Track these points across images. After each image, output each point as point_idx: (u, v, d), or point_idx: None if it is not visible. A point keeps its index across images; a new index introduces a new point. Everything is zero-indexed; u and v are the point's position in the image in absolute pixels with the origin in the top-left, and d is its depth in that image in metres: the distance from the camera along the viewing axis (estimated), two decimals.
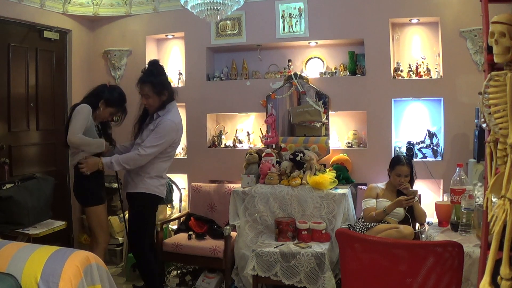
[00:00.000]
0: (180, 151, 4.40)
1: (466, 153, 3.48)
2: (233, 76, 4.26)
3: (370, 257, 2.09)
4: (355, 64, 3.93)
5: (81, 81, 4.35)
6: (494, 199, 1.60)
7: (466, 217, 2.48)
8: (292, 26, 3.96)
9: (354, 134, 3.93)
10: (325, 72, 4.01)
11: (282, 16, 3.98)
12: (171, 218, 3.91)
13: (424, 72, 3.72)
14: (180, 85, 4.39)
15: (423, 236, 2.93)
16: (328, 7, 3.87)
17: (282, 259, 3.05)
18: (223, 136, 4.29)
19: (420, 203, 3.30)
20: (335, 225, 3.27)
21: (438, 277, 1.92)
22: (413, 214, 3.09)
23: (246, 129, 4.29)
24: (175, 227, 3.96)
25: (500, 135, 1.51)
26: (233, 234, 3.48)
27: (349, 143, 3.93)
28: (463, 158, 3.39)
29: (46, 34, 4.05)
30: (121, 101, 3.15)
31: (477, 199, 2.51)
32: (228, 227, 3.40)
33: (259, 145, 4.03)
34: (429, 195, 3.69)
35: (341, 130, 4.02)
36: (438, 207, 2.83)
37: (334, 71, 4.01)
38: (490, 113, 1.53)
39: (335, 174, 3.51)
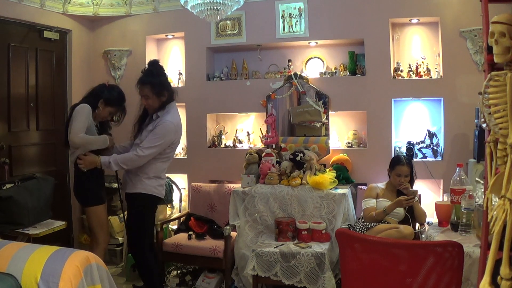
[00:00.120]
0: (180, 151, 4.40)
1: (466, 153, 3.48)
2: (233, 76, 4.26)
3: (370, 257, 2.09)
4: (355, 64, 3.93)
5: (81, 81, 4.36)
6: (494, 199, 1.60)
7: (466, 217, 2.48)
8: (292, 26, 3.96)
9: (354, 134, 3.93)
10: (325, 72, 4.01)
11: (282, 16, 3.98)
12: (171, 218, 3.91)
13: (424, 72, 3.72)
14: (180, 85, 4.39)
15: (423, 236, 2.93)
16: (328, 7, 3.87)
17: (282, 259, 3.05)
18: (223, 136, 4.29)
19: (420, 203, 3.30)
20: (335, 225, 3.27)
21: (438, 277, 1.92)
22: (413, 214, 3.09)
23: (246, 129, 4.29)
24: (175, 227, 3.96)
25: (500, 135, 1.51)
26: (233, 234, 3.48)
27: (349, 143, 3.93)
28: (463, 158, 3.39)
29: (46, 34, 4.05)
30: (120, 101, 3.14)
31: (477, 199, 2.51)
32: (228, 227, 3.40)
33: (259, 145, 4.03)
34: (429, 195, 3.69)
35: (341, 130, 4.02)
36: (438, 207, 2.83)
37: (334, 71, 4.01)
38: (490, 113, 1.53)
39: (335, 174, 3.51)
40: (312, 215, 3.34)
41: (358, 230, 3.06)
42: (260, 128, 3.99)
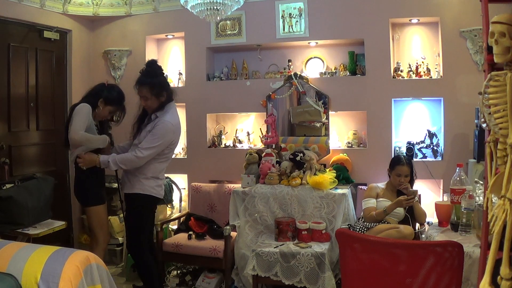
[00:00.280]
0: (180, 151, 4.41)
1: (466, 153, 3.48)
2: (233, 76, 4.26)
3: (370, 257, 2.09)
4: (355, 64, 3.93)
5: (81, 81, 4.36)
6: (494, 199, 1.60)
7: (466, 217, 2.48)
8: (292, 26, 3.96)
9: (354, 134, 3.94)
10: (325, 72, 4.01)
11: (282, 16, 3.98)
12: (171, 218, 3.91)
13: (424, 72, 3.72)
14: (180, 85, 4.39)
15: (423, 236, 2.93)
16: (328, 7, 3.87)
17: (282, 259, 3.05)
18: (223, 136, 4.29)
19: (420, 203, 3.30)
20: (335, 225, 3.27)
21: (438, 277, 1.92)
22: (413, 214, 3.09)
23: (246, 129, 4.29)
24: (175, 227, 3.96)
25: (500, 135, 1.51)
26: (233, 234, 3.48)
27: (349, 143, 3.93)
28: (463, 158, 3.39)
29: (46, 34, 4.05)
30: (120, 100, 3.14)
31: (477, 199, 2.51)
32: (228, 227, 3.40)
33: (259, 145, 4.03)
34: (429, 195, 3.69)
35: (341, 130, 4.02)
36: (438, 207, 2.83)
37: (334, 71, 4.01)
38: (490, 113, 1.53)
39: (335, 174, 3.51)
40: (312, 215, 3.34)
41: (358, 230, 3.06)
42: (260, 128, 3.99)
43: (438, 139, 3.70)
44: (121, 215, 3.74)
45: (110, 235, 3.66)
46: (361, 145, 3.91)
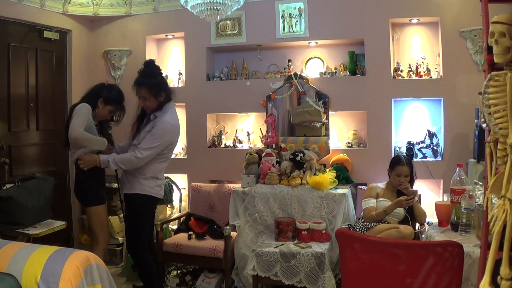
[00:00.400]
0: (180, 151, 4.41)
1: (466, 153, 3.48)
2: (233, 76, 4.26)
3: (370, 257, 2.09)
4: (355, 64, 3.93)
5: (81, 81, 4.36)
6: (494, 199, 1.60)
7: (466, 217, 2.48)
8: (292, 26, 3.96)
9: (354, 134, 3.94)
10: (325, 72, 4.01)
11: (282, 16, 3.98)
12: (171, 218, 3.91)
13: (424, 72, 3.72)
14: (180, 85, 4.39)
15: (423, 236, 2.93)
16: (328, 7, 3.87)
17: (282, 259, 3.05)
18: (223, 136, 4.29)
19: (420, 203, 3.30)
20: (335, 225, 3.27)
21: (438, 277, 1.92)
22: (413, 214, 3.09)
23: (246, 129, 4.29)
24: (175, 227, 3.96)
25: (500, 135, 1.52)
26: (233, 234, 3.48)
27: (349, 143, 3.93)
28: (463, 158, 3.39)
29: (46, 34, 4.05)
30: (119, 99, 3.14)
31: (477, 199, 2.51)
32: (228, 227, 3.40)
33: (259, 145, 4.03)
34: (429, 195, 3.69)
35: (341, 130, 4.02)
36: (438, 207, 2.83)
37: (334, 71, 4.01)
38: (490, 113, 1.53)
39: (335, 174, 3.51)
40: (312, 215, 3.34)
41: (358, 230, 3.06)
42: (260, 128, 3.99)
43: (438, 139, 3.71)
44: (121, 215, 3.74)
45: (110, 235, 3.65)
46: (361, 145, 3.91)
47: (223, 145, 4.26)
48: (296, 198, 3.38)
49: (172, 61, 4.55)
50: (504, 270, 1.41)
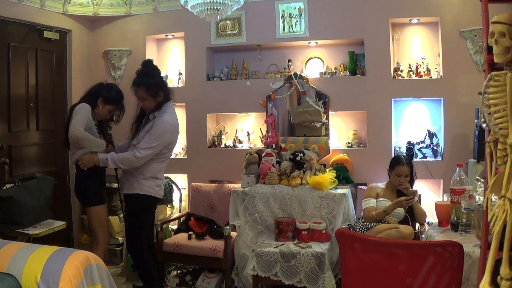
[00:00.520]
0: (180, 151, 4.41)
1: (466, 153, 3.48)
2: (233, 76, 4.26)
3: (370, 257, 2.09)
4: (355, 64, 3.93)
5: (81, 81, 4.35)
6: (494, 199, 1.60)
7: (466, 217, 2.48)
8: (292, 26, 3.96)
9: (354, 134, 3.94)
10: (325, 72, 4.01)
11: (282, 16, 3.98)
12: (171, 218, 3.91)
13: (424, 72, 3.72)
14: (180, 85, 4.39)
15: (423, 236, 2.93)
16: (328, 7, 3.87)
17: (282, 259, 3.05)
18: (223, 136, 4.29)
19: (420, 203, 3.30)
20: (335, 225, 3.27)
21: (438, 277, 1.92)
22: (413, 214, 3.09)
23: (246, 129, 4.29)
24: (175, 227, 3.96)
25: (500, 135, 1.52)
26: (233, 234, 3.48)
27: (349, 143, 3.93)
28: (463, 158, 3.39)
29: (46, 34, 4.05)
30: (119, 99, 3.14)
31: (477, 199, 2.51)
32: (228, 227, 3.40)
33: (259, 145, 4.03)
34: (429, 195, 3.69)
35: (341, 130, 4.02)
36: (438, 207, 2.83)
37: (334, 71, 4.01)
38: (490, 113, 1.53)
39: (335, 174, 3.51)
40: (312, 215, 3.34)
41: (358, 230, 3.06)
42: (260, 128, 3.99)
43: (438, 139, 3.71)
44: (121, 215, 3.74)
45: (110, 235, 3.66)
46: (361, 145, 3.91)
47: (223, 145, 4.26)
48: (296, 198, 3.38)
49: (172, 61, 4.55)
50: (504, 270, 1.41)
